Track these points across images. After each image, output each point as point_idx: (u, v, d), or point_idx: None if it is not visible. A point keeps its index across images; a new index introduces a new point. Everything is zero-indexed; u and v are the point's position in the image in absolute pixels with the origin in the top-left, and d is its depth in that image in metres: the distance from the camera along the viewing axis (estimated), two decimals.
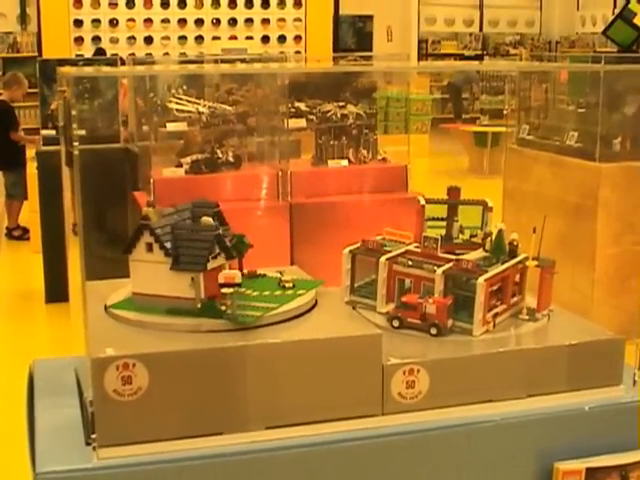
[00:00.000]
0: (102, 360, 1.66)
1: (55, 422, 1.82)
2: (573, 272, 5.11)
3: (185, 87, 5.17)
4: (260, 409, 1.76)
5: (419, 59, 18.37)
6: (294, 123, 5.14)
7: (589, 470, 1.89)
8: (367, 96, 5.36)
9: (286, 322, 1.88)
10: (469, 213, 2.29)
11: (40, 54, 14.41)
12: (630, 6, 13.68)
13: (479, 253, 2.16)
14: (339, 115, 5.16)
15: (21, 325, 6.35)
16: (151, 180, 4.77)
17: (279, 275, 2.10)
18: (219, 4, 15.93)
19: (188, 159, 4.97)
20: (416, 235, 2.20)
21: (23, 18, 15.74)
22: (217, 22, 15.93)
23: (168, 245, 1.84)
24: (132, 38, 15.57)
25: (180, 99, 5.12)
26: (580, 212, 5.44)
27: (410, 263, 2.07)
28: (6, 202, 8.86)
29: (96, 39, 15.29)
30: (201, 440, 1.71)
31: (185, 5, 15.77)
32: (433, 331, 1.97)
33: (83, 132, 5.01)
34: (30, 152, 8.08)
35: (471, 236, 2.26)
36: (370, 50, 17.16)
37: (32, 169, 7.49)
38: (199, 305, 1.84)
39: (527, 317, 2.11)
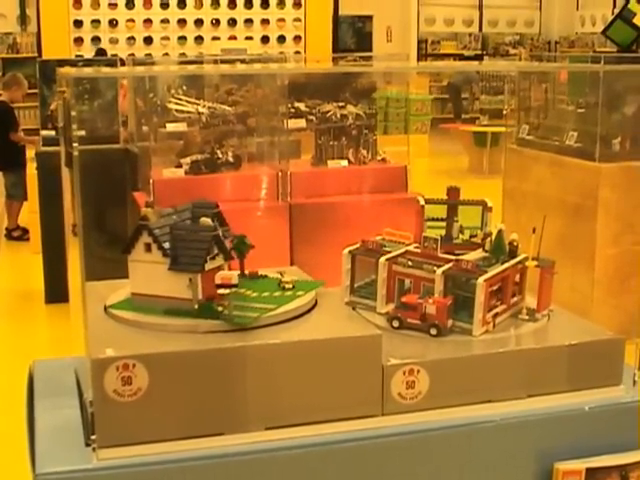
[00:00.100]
0: (102, 361, 1.66)
1: (55, 423, 1.82)
2: (573, 272, 5.11)
3: (185, 87, 5.17)
4: (260, 409, 1.76)
5: (419, 59, 18.37)
6: (294, 123, 5.14)
7: (589, 470, 1.89)
8: (367, 96, 5.36)
9: (286, 323, 1.88)
10: (469, 213, 2.29)
11: (40, 55, 14.41)
12: (629, 6, 13.69)
13: (479, 253, 2.16)
14: (339, 115, 5.16)
15: (21, 326, 6.35)
16: (151, 181, 4.77)
17: (280, 276, 2.10)
18: (219, 4, 15.94)
19: (188, 159, 4.97)
20: (416, 235, 2.20)
21: (23, 19, 15.74)
22: (217, 22, 15.94)
23: (166, 245, 1.84)
24: (132, 38, 15.57)
25: (180, 99, 5.12)
26: (580, 212, 5.44)
27: (410, 263, 2.07)
28: (6, 203, 8.85)
29: (96, 40, 15.29)
30: (201, 441, 1.71)
31: (185, 5, 15.77)
32: (433, 331, 1.97)
33: (83, 133, 4.99)
34: (30, 153, 8.08)
35: (471, 236, 2.26)
36: (370, 50, 17.17)
37: (32, 170, 7.50)
38: (196, 306, 1.84)
39: (527, 317, 2.11)
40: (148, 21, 15.65)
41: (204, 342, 1.76)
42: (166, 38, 15.78)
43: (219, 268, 1.89)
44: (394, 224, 2.27)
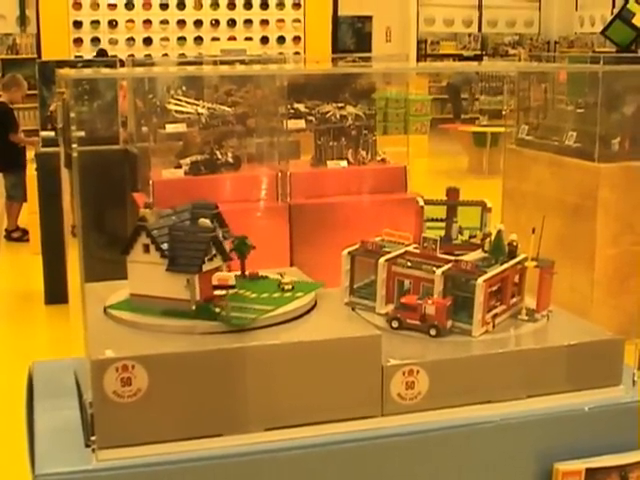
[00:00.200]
0: (101, 362, 1.66)
1: (54, 424, 1.82)
2: (572, 272, 5.11)
3: (184, 88, 5.17)
4: (259, 410, 1.76)
5: (418, 59, 18.38)
6: (293, 124, 5.14)
7: (589, 470, 1.89)
8: (366, 97, 5.36)
9: (285, 323, 1.88)
10: (468, 214, 2.29)
11: (39, 56, 14.43)
12: (629, 6, 13.69)
13: (478, 254, 2.16)
14: (338, 116, 5.16)
15: (20, 327, 6.35)
16: (150, 181, 4.77)
17: (280, 277, 2.10)
18: (218, 5, 15.95)
19: (187, 160, 4.97)
20: (415, 236, 2.20)
21: (22, 20, 15.75)
22: (216, 23, 15.94)
23: (164, 246, 1.84)
24: (131, 39, 15.58)
25: (179, 100, 5.12)
26: (579, 212, 5.44)
27: (409, 264, 2.07)
28: (6, 204, 8.85)
29: (95, 40, 15.30)
30: (201, 442, 1.71)
31: (184, 6, 15.78)
32: (432, 332, 1.97)
33: (82, 133, 4.99)
34: (30, 154, 8.08)
35: (470, 237, 2.26)
36: (369, 51, 17.18)
37: (31, 171, 7.50)
38: (194, 307, 1.84)
39: (526, 318, 2.11)
40: (147, 22, 15.65)
41: (204, 343, 1.76)
42: (165, 39, 15.78)
43: (217, 269, 1.89)
44: (393, 225, 2.27)
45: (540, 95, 6.68)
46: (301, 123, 5.19)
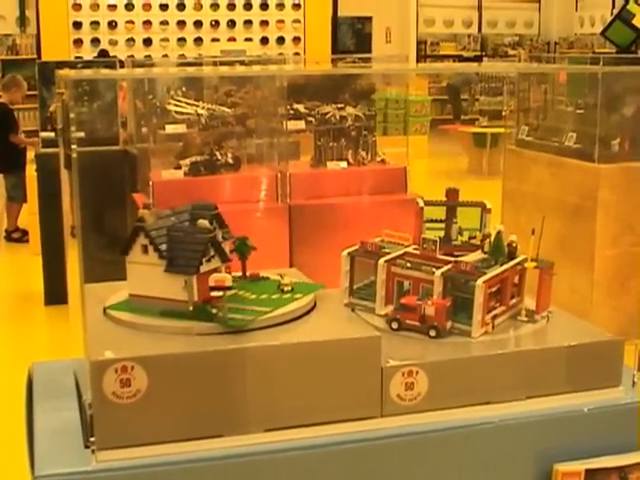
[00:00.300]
0: (101, 363, 1.66)
1: (54, 425, 1.82)
2: (572, 273, 5.11)
3: (184, 89, 5.17)
4: (259, 411, 1.76)
5: (418, 60, 18.37)
6: (293, 125, 5.14)
7: (588, 471, 1.89)
8: (366, 98, 5.36)
9: (285, 324, 1.88)
10: (468, 215, 2.29)
11: (39, 56, 14.42)
12: (629, 7, 13.68)
13: (478, 255, 2.16)
14: (338, 117, 5.16)
15: (20, 327, 6.35)
16: (150, 182, 4.77)
17: (280, 278, 2.10)
18: (218, 6, 15.94)
19: (187, 161, 4.97)
20: (415, 237, 2.21)
21: (22, 20, 15.75)
22: (216, 24, 15.94)
23: (163, 247, 1.84)
24: (131, 40, 15.57)
25: (179, 101, 5.12)
26: (579, 213, 5.44)
27: (409, 265, 2.07)
28: (6, 204, 8.85)
29: (95, 41, 15.30)
30: (200, 442, 1.71)
31: (184, 7, 15.77)
32: (432, 333, 1.97)
33: (82, 134, 5.01)
34: (30, 155, 8.08)
35: (470, 238, 2.26)
36: (369, 51, 17.17)
37: (31, 171, 7.50)
38: (191, 308, 1.84)
39: (526, 319, 2.11)
40: (147, 22, 15.65)
41: (203, 344, 1.76)
42: (165, 39, 15.78)
43: (216, 270, 1.89)
44: (393, 225, 2.27)
45: (540, 96, 6.68)
46: (301, 124, 5.19)
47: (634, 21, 13.36)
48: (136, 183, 5.31)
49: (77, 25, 15.24)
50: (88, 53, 14.89)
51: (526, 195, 5.77)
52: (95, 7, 15.29)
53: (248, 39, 16.05)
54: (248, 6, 16.07)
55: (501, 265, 2.08)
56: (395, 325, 2.01)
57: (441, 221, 2.29)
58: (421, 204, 2.29)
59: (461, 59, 19.21)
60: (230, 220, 2.02)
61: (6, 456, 3.64)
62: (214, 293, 1.85)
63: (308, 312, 1.97)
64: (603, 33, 14.38)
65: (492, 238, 2.16)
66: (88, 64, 10.21)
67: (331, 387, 1.80)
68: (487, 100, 13.83)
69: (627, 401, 1.99)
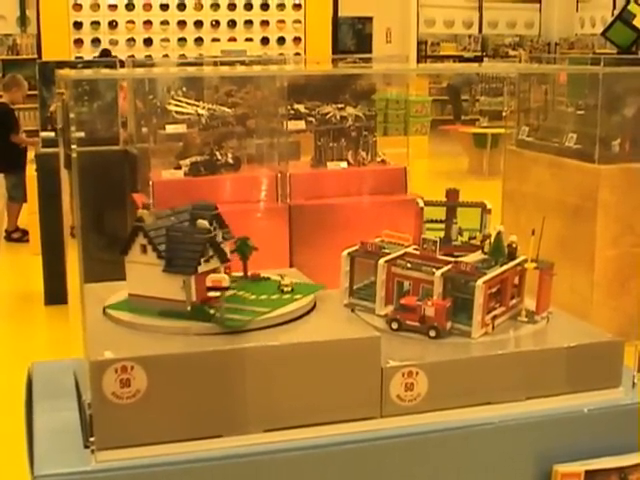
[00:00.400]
0: (101, 363, 1.66)
1: (54, 425, 1.82)
2: (572, 274, 5.11)
3: (184, 89, 5.17)
4: (259, 412, 1.76)
5: (418, 61, 18.37)
6: (293, 125, 5.14)
7: (588, 472, 1.89)
8: (366, 98, 5.36)
9: (285, 325, 1.88)
10: (468, 215, 2.29)
11: (40, 56, 14.40)
12: (629, 7, 13.68)
13: (478, 255, 2.16)
14: (338, 117, 5.16)
15: (20, 327, 6.35)
16: (150, 182, 4.77)
17: (280, 279, 2.10)
18: (218, 6, 15.93)
19: (187, 161, 4.97)
20: (415, 237, 2.21)
21: (23, 20, 15.74)
22: (216, 24, 15.93)
23: (161, 247, 1.84)
24: (131, 40, 15.56)
25: (179, 101, 5.12)
26: (579, 214, 5.44)
27: (409, 265, 2.07)
28: (7, 204, 8.85)
29: (96, 41, 15.29)
30: (200, 443, 1.71)
31: (184, 7, 15.76)
32: (432, 333, 1.97)
33: (82, 134, 5.00)
34: (30, 154, 8.08)
35: (470, 238, 2.26)
36: (369, 52, 17.15)
37: (31, 171, 7.50)
38: (189, 308, 1.84)
39: (526, 319, 2.10)
40: (148, 22, 15.64)
41: (203, 344, 1.75)
42: (166, 40, 15.77)
43: (214, 270, 1.89)
44: (393, 226, 2.27)
45: (540, 96, 6.68)
46: (301, 124, 5.19)
47: (635, 22, 13.36)
48: (136, 183, 5.31)
49: (77, 25, 15.23)
50: (88, 53, 14.89)
51: (526, 196, 5.77)
52: (95, 7, 15.28)
53: (249, 39, 16.04)
54: (249, 6, 16.06)
55: (501, 266, 2.08)
56: (395, 325, 2.01)
57: (441, 221, 2.29)
58: (421, 204, 2.29)
59: (461, 59, 19.20)
60: (230, 220, 2.01)
61: (6, 456, 3.64)
62: (211, 293, 1.85)
63: (308, 312, 1.97)
64: (604, 34, 14.38)
65: (492, 239, 2.16)
66: (88, 64, 10.21)
67: (331, 387, 1.80)
68: (487, 100, 13.83)
69: (627, 402, 1.99)
